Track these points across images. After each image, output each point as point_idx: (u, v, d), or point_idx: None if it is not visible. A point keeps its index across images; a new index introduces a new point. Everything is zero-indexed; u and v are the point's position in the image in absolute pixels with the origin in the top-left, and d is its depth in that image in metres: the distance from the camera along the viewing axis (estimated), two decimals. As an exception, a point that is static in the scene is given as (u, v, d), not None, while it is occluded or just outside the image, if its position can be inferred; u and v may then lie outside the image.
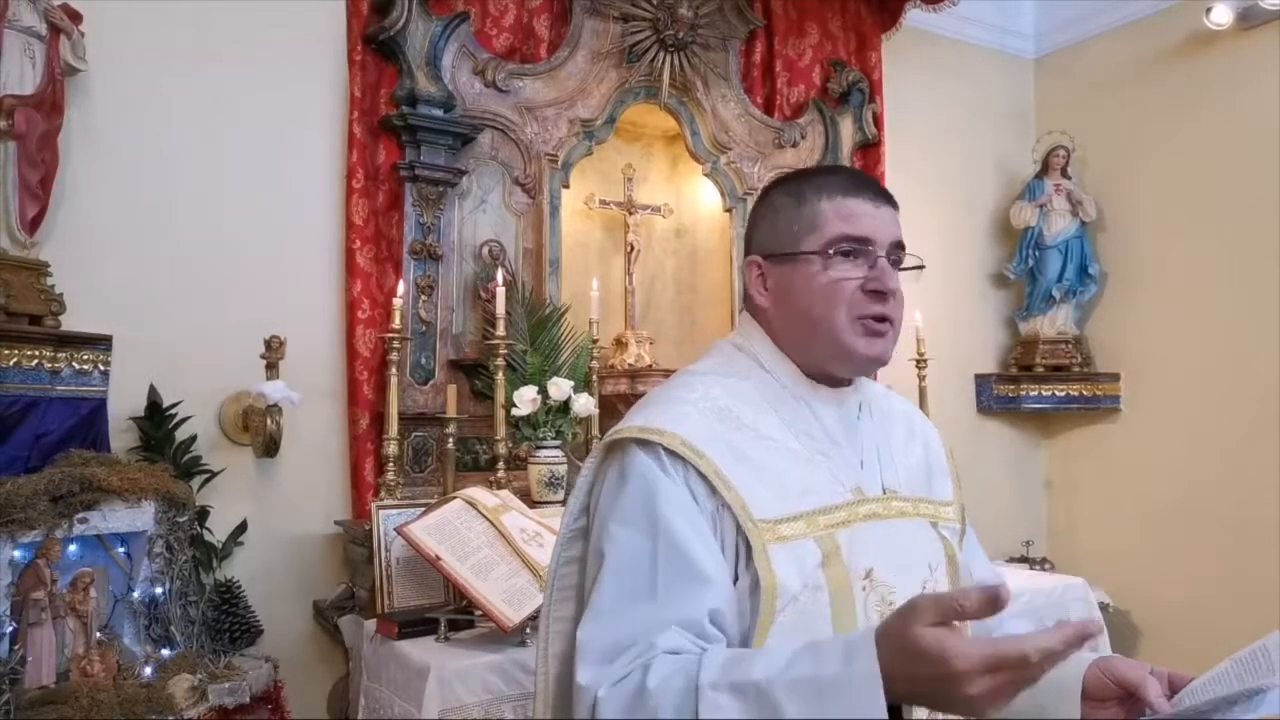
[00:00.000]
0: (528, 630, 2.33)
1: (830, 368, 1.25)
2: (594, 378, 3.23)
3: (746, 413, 1.21)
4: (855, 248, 1.21)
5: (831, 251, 1.20)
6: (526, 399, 2.94)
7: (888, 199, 1.26)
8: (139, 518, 2.35)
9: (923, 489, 1.33)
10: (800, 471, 1.19)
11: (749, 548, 1.11)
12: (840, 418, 1.27)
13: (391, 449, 2.86)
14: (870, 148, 4.29)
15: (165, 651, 2.33)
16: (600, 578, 1.11)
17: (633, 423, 1.18)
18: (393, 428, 2.87)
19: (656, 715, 0.97)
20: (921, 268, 1.29)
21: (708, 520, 1.12)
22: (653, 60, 3.69)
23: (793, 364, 1.26)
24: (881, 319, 1.21)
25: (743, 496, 1.12)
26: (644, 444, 1.15)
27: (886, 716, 0.89)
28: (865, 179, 1.29)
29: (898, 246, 1.24)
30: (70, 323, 2.58)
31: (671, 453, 1.13)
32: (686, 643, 1.05)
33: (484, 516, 2.55)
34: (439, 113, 3.23)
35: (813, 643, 0.98)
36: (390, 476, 2.85)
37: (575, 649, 1.08)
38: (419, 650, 2.36)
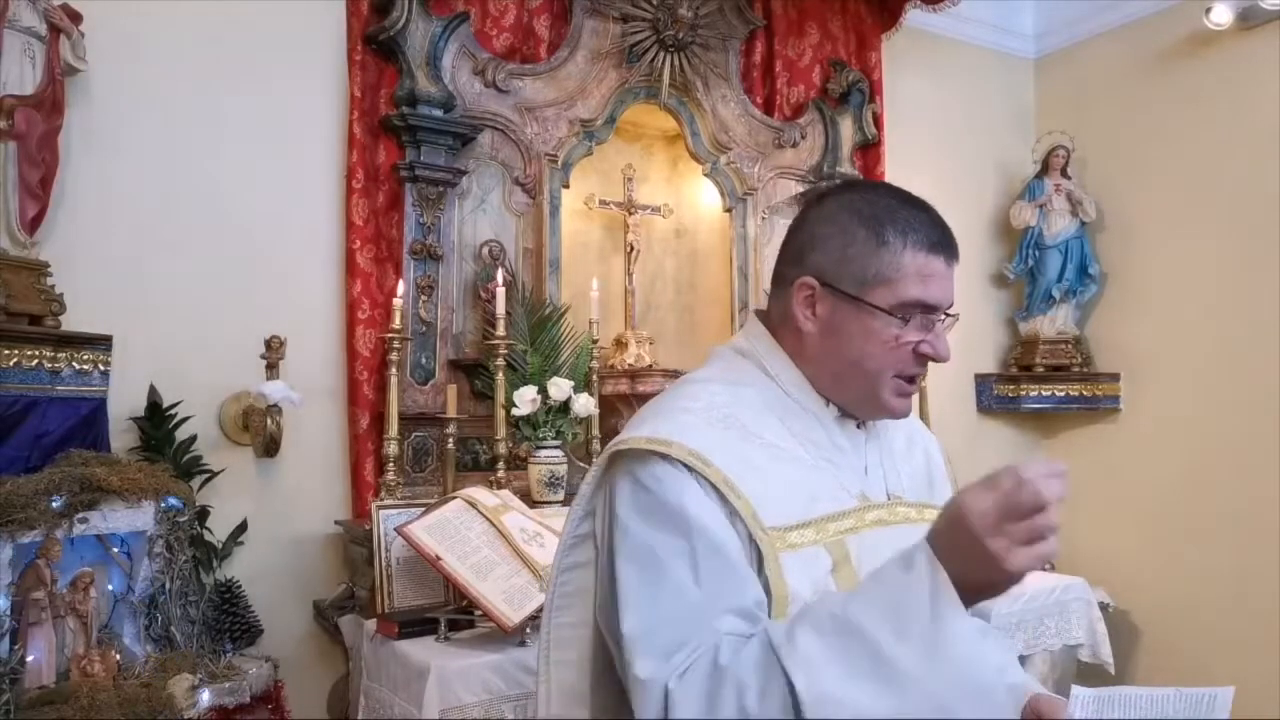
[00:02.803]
0: (528, 630, 2.33)
1: (852, 409, 1.25)
2: (594, 378, 3.23)
3: (751, 420, 1.19)
4: (922, 312, 1.19)
5: (903, 317, 1.17)
6: (526, 399, 2.94)
7: (958, 256, 1.23)
8: (139, 518, 2.35)
9: (925, 495, 1.33)
10: (807, 479, 1.18)
11: (759, 555, 1.10)
12: (843, 424, 1.26)
13: (391, 449, 2.87)
14: (870, 148, 4.29)
15: (165, 651, 2.33)
16: (637, 582, 1.08)
17: (639, 433, 1.15)
18: (393, 428, 2.87)
19: (742, 684, 0.96)
20: (957, 317, 1.25)
21: (727, 521, 1.11)
22: (653, 60, 3.69)
23: (801, 375, 1.25)
24: (914, 379, 1.22)
25: (753, 505, 1.10)
26: (655, 453, 1.13)
27: (959, 604, 0.92)
28: (947, 232, 1.22)
29: (949, 306, 1.23)
30: (70, 323, 2.58)
31: (680, 464, 1.11)
32: (743, 626, 1.04)
33: (484, 516, 2.55)
34: (439, 113, 3.23)
35: (871, 572, 1.02)
36: (390, 476, 2.85)
37: (624, 641, 1.05)
38: (419, 650, 2.36)
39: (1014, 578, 0.92)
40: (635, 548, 1.09)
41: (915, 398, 3.63)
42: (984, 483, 0.94)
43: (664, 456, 1.11)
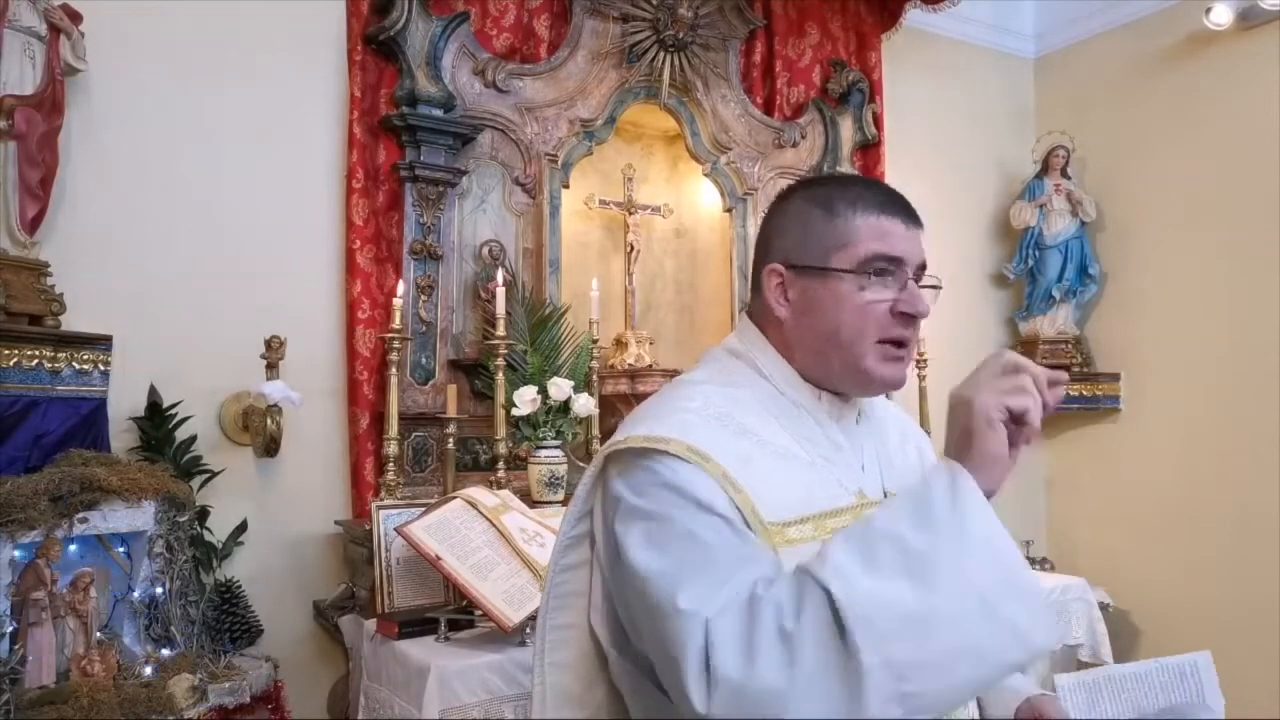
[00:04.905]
0: (528, 630, 2.33)
1: (844, 387, 1.24)
2: (594, 378, 3.23)
3: (748, 420, 1.18)
4: (887, 267, 1.18)
5: (867, 272, 1.18)
6: (526, 399, 2.94)
7: (918, 220, 1.24)
8: (139, 518, 2.35)
9: None
10: (804, 475, 1.18)
11: None
12: (840, 422, 1.26)
13: (391, 449, 2.87)
14: (870, 148, 4.29)
15: (165, 651, 2.32)
16: (662, 550, 1.04)
17: (635, 432, 1.14)
18: (393, 428, 2.87)
19: (779, 605, 0.95)
20: (939, 288, 1.26)
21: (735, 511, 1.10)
22: (653, 60, 3.69)
23: (793, 370, 1.24)
24: (903, 343, 1.20)
25: (752, 500, 1.10)
26: (654, 451, 1.11)
27: (979, 493, 0.97)
28: (899, 197, 1.25)
29: (922, 268, 1.23)
30: (70, 323, 2.58)
31: (679, 460, 1.10)
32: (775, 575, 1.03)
33: (484, 516, 2.55)
34: (439, 113, 3.23)
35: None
36: (390, 476, 2.85)
37: (656, 588, 1.02)
38: (419, 650, 2.36)
39: (986, 412, 1.00)
40: (651, 523, 1.07)
41: (915, 398, 3.68)
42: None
43: (664, 453, 1.10)
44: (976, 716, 1.24)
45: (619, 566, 1.09)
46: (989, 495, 0.98)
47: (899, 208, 1.22)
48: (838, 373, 1.22)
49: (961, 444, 1.01)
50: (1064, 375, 1.06)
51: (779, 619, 0.94)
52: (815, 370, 1.23)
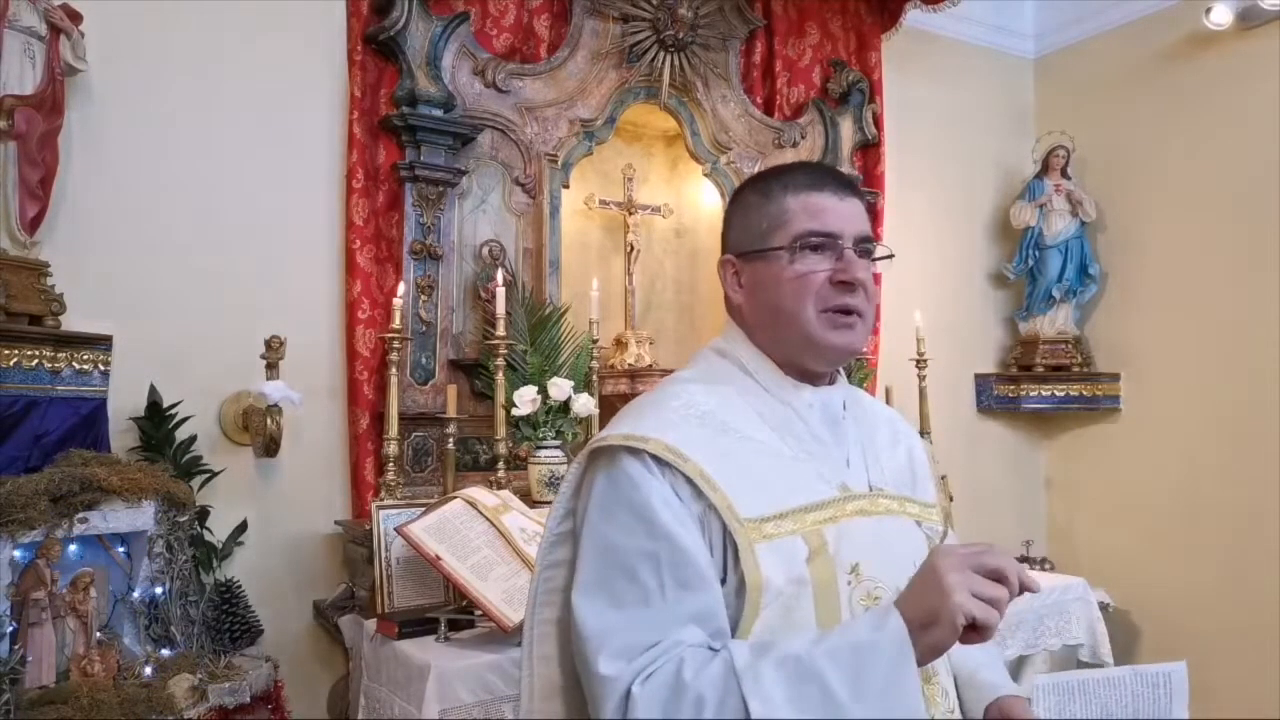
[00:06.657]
0: (528, 630, 2.33)
1: (802, 360, 1.27)
2: (594, 378, 3.23)
3: (731, 417, 1.22)
4: (822, 241, 1.23)
5: (799, 246, 1.23)
6: (526, 399, 2.94)
7: (853, 191, 1.29)
8: (139, 518, 2.35)
9: (907, 490, 1.35)
10: (786, 471, 1.20)
11: (735, 547, 1.13)
12: (825, 417, 1.28)
13: (391, 449, 2.87)
14: (870, 148, 4.29)
15: (165, 651, 2.33)
16: (601, 582, 1.11)
17: (617, 430, 1.19)
18: (393, 428, 2.87)
19: (701, 700, 1.00)
20: (890, 257, 1.33)
21: (695, 523, 1.13)
22: (653, 60, 3.69)
23: (773, 364, 1.28)
24: (848, 311, 1.23)
25: (729, 497, 1.13)
26: (630, 450, 1.16)
27: (917, 669, 0.99)
28: (830, 173, 1.31)
29: (864, 239, 1.27)
30: (70, 323, 2.58)
31: (656, 459, 1.14)
32: (704, 637, 1.08)
33: (484, 516, 2.55)
34: (439, 113, 3.23)
35: (845, 622, 1.10)
36: (390, 476, 2.85)
37: (585, 638, 1.08)
38: (419, 650, 2.36)
39: (954, 615, 1.00)
40: (602, 548, 1.13)
41: (915, 398, 3.67)
42: (961, 545, 1.06)
43: (639, 453, 1.14)
44: (957, 714, 1.26)
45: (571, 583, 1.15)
46: (920, 664, 1.02)
47: (830, 181, 1.28)
48: (795, 346, 1.26)
49: (919, 618, 1.02)
50: (1038, 586, 1.08)
51: (698, 714, 1.00)
52: (777, 349, 1.28)
